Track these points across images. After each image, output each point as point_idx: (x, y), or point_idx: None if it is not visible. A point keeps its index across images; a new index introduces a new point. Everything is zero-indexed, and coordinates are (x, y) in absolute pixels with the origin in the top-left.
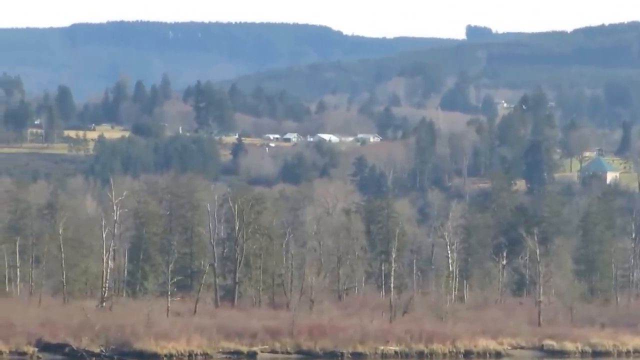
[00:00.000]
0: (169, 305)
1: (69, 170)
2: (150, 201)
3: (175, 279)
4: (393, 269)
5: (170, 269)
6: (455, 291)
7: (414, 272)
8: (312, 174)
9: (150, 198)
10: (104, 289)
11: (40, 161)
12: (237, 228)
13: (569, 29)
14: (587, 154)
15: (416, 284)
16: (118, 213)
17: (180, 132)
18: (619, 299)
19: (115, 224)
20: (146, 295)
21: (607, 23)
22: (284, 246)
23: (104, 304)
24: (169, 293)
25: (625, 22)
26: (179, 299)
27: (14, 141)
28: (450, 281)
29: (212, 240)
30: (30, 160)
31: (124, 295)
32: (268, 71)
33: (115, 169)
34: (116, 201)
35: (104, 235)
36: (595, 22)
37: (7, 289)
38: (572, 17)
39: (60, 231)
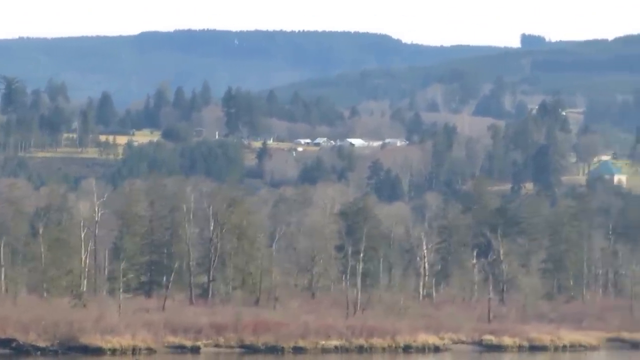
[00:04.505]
0: (121, 302)
1: (99, 174)
2: (134, 203)
3: (145, 278)
4: (359, 268)
5: (137, 267)
6: (423, 289)
7: (387, 270)
8: (331, 177)
9: (134, 200)
10: (81, 287)
11: (72, 165)
12: (211, 228)
13: (610, 37)
14: (602, 157)
15: (392, 282)
16: (99, 214)
17: (217, 137)
18: (587, 296)
19: (97, 225)
20: (126, 293)
21: None
22: (255, 245)
23: (77, 301)
24: (120, 290)
25: None
26: (130, 296)
27: (49, 146)
28: (423, 279)
29: (187, 241)
30: (63, 164)
31: (104, 293)
32: (322, 78)
33: (141, 173)
34: (98, 202)
35: (82, 235)
36: (635, 30)
37: None
38: (616, 25)
39: (40, 231)
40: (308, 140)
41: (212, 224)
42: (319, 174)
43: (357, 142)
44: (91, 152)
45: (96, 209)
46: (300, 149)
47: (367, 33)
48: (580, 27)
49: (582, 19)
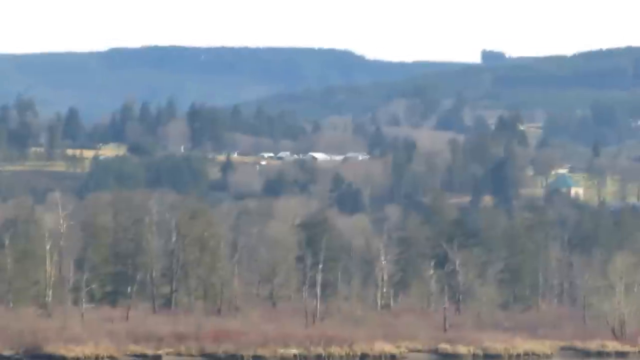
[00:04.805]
0: (85, 312)
1: (66, 187)
2: (98, 215)
3: (110, 288)
4: (319, 278)
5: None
6: (381, 299)
7: (346, 280)
8: (293, 190)
9: (98, 212)
10: (46, 297)
11: (40, 179)
12: (174, 239)
13: (569, 53)
14: (560, 170)
15: (351, 292)
16: (65, 226)
17: (182, 150)
18: (543, 305)
19: (62, 236)
20: (90, 303)
21: (604, 47)
22: (217, 256)
23: (43, 311)
24: (83, 300)
25: (622, 46)
26: (93, 306)
27: (17, 160)
28: (381, 289)
29: (150, 252)
30: (31, 177)
31: (69, 303)
32: (288, 93)
33: (108, 186)
34: (63, 214)
35: (47, 247)
36: (594, 46)
37: None
38: (574, 41)
39: (6, 242)
40: (272, 154)
41: (175, 236)
42: (281, 187)
43: (320, 156)
44: (58, 166)
45: (61, 221)
46: (263, 162)
47: (332, 49)
48: (539, 43)
49: (541, 35)
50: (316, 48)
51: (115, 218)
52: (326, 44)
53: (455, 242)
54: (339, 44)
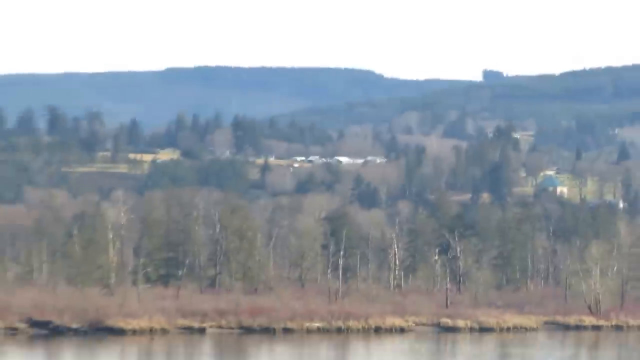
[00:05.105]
0: (141, 291)
1: (128, 186)
2: (154, 210)
3: (163, 271)
4: (341, 263)
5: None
6: (394, 281)
7: (364, 265)
8: (320, 189)
9: (154, 207)
10: (110, 279)
11: (106, 179)
12: (217, 230)
13: (557, 72)
14: (548, 172)
15: (368, 275)
16: (125, 219)
17: (227, 155)
18: (531, 286)
19: (123, 227)
20: (146, 284)
21: (587, 67)
22: (254, 244)
23: (106, 290)
24: (139, 281)
25: (602, 66)
26: (148, 286)
27: (87, 162)
28: (393, 272)
29: (197, 241)
30: (98, 178)
31: (128, 284)
32: (316, 107)
33: (164, 186)
34: (124, 209)
35: (110, 237)
36: (578, 66)
37: (33, 278)
38: (562, 61)
39: (75, 232)
40: (303, 158)
41: (218, 227)
42: (311, 186)
43: (344, 159)
44: (122, 168)
45: (122, 214)
46: (296, 165)
47: (354, 69)
48: (532, 63)
49: (534, 57)
50: (342, 68)
51: (168, 212)
52: (349, 64)
53: (456, 233)
54: (361, 64)
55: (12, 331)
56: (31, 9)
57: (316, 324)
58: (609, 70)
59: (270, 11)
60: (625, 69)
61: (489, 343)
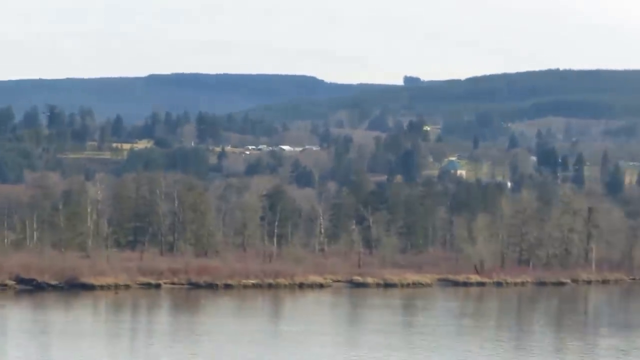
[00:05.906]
0: (110, 254)
1: (111, 170)
2: (125, 187)
3: (131, 238)
4: (276, 231)
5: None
6: (319, 245)
7: (296, 232)
8: (266, 172)
9: (125, 186)
10: (87, 244)
11: (93, 164)
12: (176, 205)
13: (462, 77)
14: (451, 158)
15: (298, 241)
16: (101, 195)
17: (192, 144)
18: (431, 251)
19: (100, 202)
20: (118, 248)
21: (487, 73)
22: (206, 216)
23: (84, 253)
24: (110, 246)
25: (499, 73)
26: (118, 250)
27: (78, 150)
28: (318, 238)
29: (158, 213)
30: (87, 162)
31: (103, 248)
32: (265, 105)
33: (139, 170)
34: (101, 187)
35: (89, 209)
36: (479, 73)
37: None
38: (466, 68)
39: (60, 206)
40: (253, 147)
41: (177, 202)
42: (259, 169)
43: (286, 147)
44: (106, 155)
45: (99, 192)
46: (247, 152)
47: (300, 75)
48: (443, 70)
49: (445, 65)
50: (290, 74)
51: (137, 190)
52: (297, 72)
53: (370, 207)
54: (306, 71)
55: (2, 287)
56: (38, 27)
57: (251, 281)
58: (505, 76)
59: (231, 29)
60: (518, 74)
61: (394, 297)
